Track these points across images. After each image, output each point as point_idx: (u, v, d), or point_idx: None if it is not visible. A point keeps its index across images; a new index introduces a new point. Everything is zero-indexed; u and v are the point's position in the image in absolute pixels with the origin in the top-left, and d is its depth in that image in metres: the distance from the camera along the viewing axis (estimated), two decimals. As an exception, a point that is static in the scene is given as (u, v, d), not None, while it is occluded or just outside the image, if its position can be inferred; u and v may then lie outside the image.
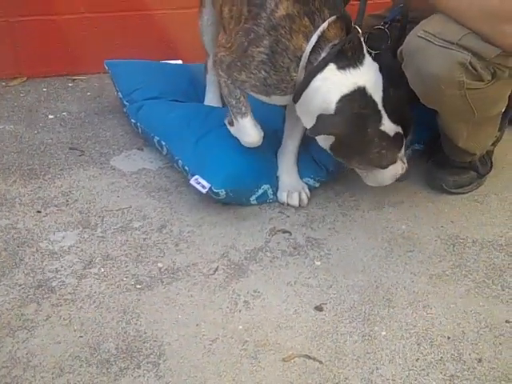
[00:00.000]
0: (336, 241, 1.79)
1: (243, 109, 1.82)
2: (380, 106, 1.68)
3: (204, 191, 1.79)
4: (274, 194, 1.90)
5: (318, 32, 1.65)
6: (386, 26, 1.93)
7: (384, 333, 1.50)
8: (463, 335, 1.49)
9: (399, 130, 1.70)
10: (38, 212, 1.85)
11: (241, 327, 1.51)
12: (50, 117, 2.35)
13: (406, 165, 1.78)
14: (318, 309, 1.56)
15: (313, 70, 1.66)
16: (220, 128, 1.90)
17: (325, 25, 1.66)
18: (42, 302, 1.56)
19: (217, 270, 1.67)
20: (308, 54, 1.66)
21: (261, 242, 1.77)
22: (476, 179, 2.00)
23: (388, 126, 1.68)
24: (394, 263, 1.71)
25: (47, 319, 1.51)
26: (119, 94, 2.29)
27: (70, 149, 2.16)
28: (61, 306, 1.55)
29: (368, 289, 1.62)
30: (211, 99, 2.25)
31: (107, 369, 1.39)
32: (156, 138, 2.05)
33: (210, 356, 1.43)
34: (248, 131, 1.82)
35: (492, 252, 1.75)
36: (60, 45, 2.59)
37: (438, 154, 2.00)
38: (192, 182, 1.83)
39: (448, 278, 1.66)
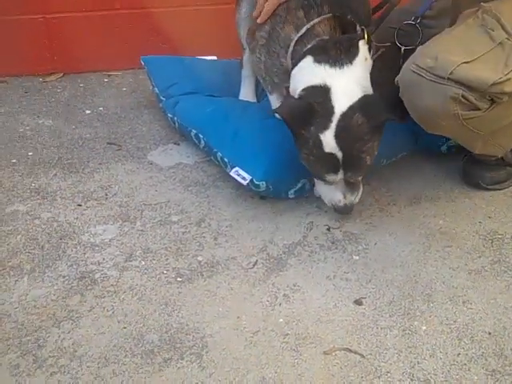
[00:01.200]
0: (373, 235, 1.79)
1: (269, 87, 1.93)
2: (334, 118, 1.61)
3: (245, 183, 1.81)
4: (312, 188, 1.91)
5: (308, 25, 1.71)
6: (417, 22, 1.93)
7: (424, 327, 1.50)
8: (504, 330, 1.49)
9: (337, 154, 1.62)
10: (79, 205, 1.89)
11: (281, 320, 1.52)
12: (87, 112, 2.38)
13: (348, 202, 1.71)
14: (358, 303, 1.57)
15: (295, 59, 1.72)
16: (259, 121, 1.92)
17: (316, 20, 1.71)
18: (86, 293, 1.59)
19: (256, 263, 1.69)
20: (294, 43, 1.73)
21: (299, 236, 1.78)
22: (513, 174, 1.99)
23: (327, 141, 1.61)
24: (433, 258, 1.71)
25: (91, 310, 1.54)
26: (155, 89, 2.31)
27: (108, 143, 2.19)
28: (104, 297, 1.58)
29: (407, 283, 1.63)
30: (246, 94, 2.27)
31: (151, 359, 1.42)
32: (193, 132, 2.07)
33: (251, 348, 1.45)
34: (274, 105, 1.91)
35: (531, 248, 1.75)
36: (95, 41, 2.62)
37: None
38: (232, 173, 1.84)
39: (487, 274, 1.65)
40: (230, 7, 2.43)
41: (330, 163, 1.64)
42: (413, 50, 1.74)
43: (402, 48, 1.86)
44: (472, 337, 1.48)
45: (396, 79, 1.65)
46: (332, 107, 1.62)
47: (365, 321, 1.52)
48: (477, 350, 1.45)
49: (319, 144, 1.63)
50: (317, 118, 1.62)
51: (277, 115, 1.74)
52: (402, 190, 1.96)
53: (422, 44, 1.77)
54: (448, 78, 1.55)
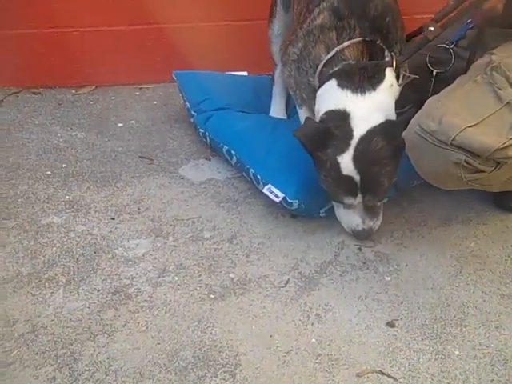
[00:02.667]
0: (404, 256, 1.80)
1: (299, 101, 1.95)
2: (353, 141, 1.64)
3: (277, 200, 1.83)
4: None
5: (338, 48, 1.73)
6: (451, 46, 1.94)
7: (457, 352, 1.50)
8: (538, 357, 1.49)
9: (355, 177, 1.65)
10: (112, 219, 1.91)
11: (314, 340, 1.53)
12: (119, 125, 2.41)
13: (367, 227, 1.74)
14: (390, 325, 1.58)
15: (322, 80, 1.74)
16: (291, 139, 1.92)
17: (346, 43, 1.73)
18: (120, 307, 1.61)
19: (288, 282, 1.70)
20: (322, 64, 1.75)
21: (330, 255, 1.79)
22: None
23: (345, 163, 1.65)
24: (464, 281, 1.71)
25: (125, 325, 1.56)
26: (187, 104, 2.33)
27: (140, 157, 2.21)
28: (138, 312, 1.59)
29: (439, 306, 1.63)
30: (277, 111, 2.29)
31: (185, 376, 1.43)
32: (225, 148, 2.09)
33: (284, 368, 1.46)
34: (302, 119, 1.93)
35: None
36: (127, 54, 2.65)
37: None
38: (265, 190, 1.86)
39: (520, 299, 1.66)
40: (260, 23, 2.47)
41: (347, 186, 1.68)
42: (444, 75, 1.75)
43: (434, 71, 1.87)
44: (505, 362, 1.48)
45: (403, 134, 1.62)
46: (351, 131, 1.65)
47: (397, 343, 1.53)
48: (510, 376, 1.44)
49: (337, 166, 1.66)
50: (334, 141, 1.66)
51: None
52: (433, 211, 1.97)
53: (453, 70, 1.79)
54: (451, 144, 1.52)
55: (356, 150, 1.65)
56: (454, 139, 1.51)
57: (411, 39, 1.86)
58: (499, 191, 1.91)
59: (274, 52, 2.23)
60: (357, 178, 1.66)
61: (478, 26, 1.79)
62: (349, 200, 1.70)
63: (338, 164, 1.66)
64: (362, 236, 1.78)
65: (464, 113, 1.56)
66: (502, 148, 1.54)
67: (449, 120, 1.54)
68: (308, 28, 1.81)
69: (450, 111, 1.56)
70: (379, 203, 1.75)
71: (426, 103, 1.62)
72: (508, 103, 1.59)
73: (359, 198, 1.69)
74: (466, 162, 1.53)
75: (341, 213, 1.78)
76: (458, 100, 1.60)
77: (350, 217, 1.75)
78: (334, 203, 1.79)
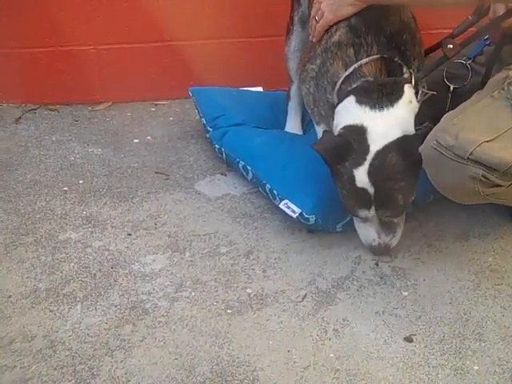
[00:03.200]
0: (422, 271, 1.79)
1: (317, 118, 1.96)
2: (369, 156, 1.65)
3: (294, 216, 1.83)
4: (359, 222, 1.92)
5: (356, 65, 1.73)
6: (468, 62, 1.94)
7: (476, 367, 1.49)
8: (558, 373, 1.48)
9: (369, 189, 1.66)
10: (129, 235, 1.92)
11: (332, 355, 1.52)
12: (135, 141, 2.43)
13: (383, 242, 1.74)
14: (408, 340, 1.57)
15: (340, 97, 1.75)
16: (308, 154, 1.93)
17: (364, 60, 1.73)
18: (137, 323, 1.61)
19: (305, 297, 1.69)
20: (341, 81, 1.75)
21: (347, 270, 1.79)
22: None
23: (360, 176, 1.66)
24: (483, 296, 1.70)
25: (143, 340, 1.56)
26: (203, 119, 2.35)
27: (156, 173, 2.23)
28: (155, 327, 1.60)
29: (457, 321, 1.62)
30: (293, 126, 2.30)
31: (203, 392, 1.43)
32: (241, 163, 2.10)
33: (303, 383, 1.45)
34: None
35: None
36: (143, 70, 2.67)
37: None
38: (282, 206, 1.86)
39: (539, 314, 1.64)
40: (275, 40, 2.49)
41: (362, 198, 1.68)
42: (461, 90, 1.75)
43: (451, 87, 1.87)
44: (526, 378, 1.46)
45: (420, 148, 1.62)
46: (368, 146, 1.66)
47: (415, 358, 1.52)
48: (531, 392, 1.43)
49: (352, 179, 1.67)
50: (352, 155, 1.67)
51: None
52: (450, 226, 1.96)
53: (471, 85, 1.78)
54: (468, 158, 1.51)
55: (371, 164, 1.65)
56: (471, 154, 1.51)
57: (428, 54, 1.86)
58: None
59: (291, 68, 2.24)
60: (371, 190, 1.66)
61: (496, 43, 1.79)
62: (363, 212, 1.70)
63: (353, 177, 1.67)
64: (378, 251, 1.78)
65: (481, 128, 1.56)
66: None
67: (466, 135, 1.54)
68: (326, 45, 1.82)
69: (466, 126, 1.56)
70: (396, 220, 1.74)
71: (442, 118, 1.62)
72: None
73: (373, 210, 1.69)
74: (484, 176, 1.53)
75: (358, 227, 1.79)
76: (474, 115, 1.60)
77: (366, 231, 1.76)
78: (353, 217, 1.79)
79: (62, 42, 2.57)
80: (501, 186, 1.56)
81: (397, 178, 1.66)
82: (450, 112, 1.64)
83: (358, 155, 1.66)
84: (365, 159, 1.66)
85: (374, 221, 1.72)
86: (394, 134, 1.66)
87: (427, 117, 1.73)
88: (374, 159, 1.65)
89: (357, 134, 1.67)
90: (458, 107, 1.65)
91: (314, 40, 1.89)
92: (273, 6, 2.55)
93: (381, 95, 1.69)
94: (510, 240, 1.91)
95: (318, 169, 1.89)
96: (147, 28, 2.60)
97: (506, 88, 1.63)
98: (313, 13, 1.90)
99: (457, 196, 1.66)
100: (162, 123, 2.56)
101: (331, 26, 1.83)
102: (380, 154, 1.65)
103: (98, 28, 2.56)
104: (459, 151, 1.53)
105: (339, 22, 1.80)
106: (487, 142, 1.53)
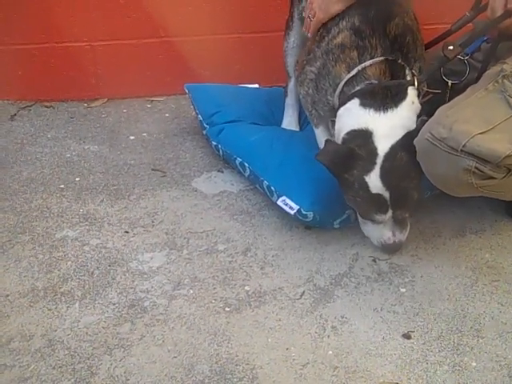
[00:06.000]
0: (419, 268, 1.79)
1: (315, 120, 1.94)
2: (378, 159, 1.64)
3: (292, 212, 1.83)
4: (356, 219, 1.91)
5: (359, 67, 1.72)
6: (466, 58, 1.94)
7: (474, 364, 1.50)
8: (556, 369, 1.48)
9: (384, 194, 1.65)
10: (126, 232, 1.91)
11: (330, 352, 1.53)
12: (131, 138, 2.42)
13: (397, 239, 1.72)
14: (406, 336, 1.57)
15: (342, 99, 1.73)
16: (305, 151, 1.94)
17: (368, 62, 1.72)
18: (136, 321, 1.61)
19: (303, 294, 1.70)
20: (343, 83, 1.74)
21: (345, 267, 1.79)
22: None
23: (373, 182, 1.64)
24: (480, 292, 1.70)
25: (141, 338, 1.56)
26: (199, 116, 2.34)
27: (153, 170, 2.22)
28: (154, 326, 1.60)
29: (455, 318, 1.63)
30: (289, 123, 2.29)
31: (202, 390, 1.43)
32: (238, 160, 2.09)
33: (301, 381, 1.45)
34: (320, 140, 1.93)
35: None
36: (138, 67, 2.67)
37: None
38: (279, 202, 1.86)
39: (537, 310, 1.65)
40: (271, 35, 2.49)
41: (378, 204, 1.67)
42: (458, 86, 1.75)
43: (449, 83, 1.87)
44: (523, 374, 1.47)
45: (414, 141, 1.63)
46: (375, 149, 1.65)
47: (414, 355, 1.52)
48: (529, 388, 1.44)
49: (365, 186, 1.65)
50: (359, 161, 1.65)
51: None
52: (447, 222, 1.96)
53: (468, 81, 1.79)
54: (461, 150, 1.52)
55: (382, 167, 1.64)
56: (464, 146, 1.52)
57: (426, 50, 1.86)
58: (511, 200, 1.90)
59: (289, 64, 2.24)
60: (386, 194, 1.65)
61: (493, 40, 1.80)
62: (380, 217, 1.68)
63: (366, 184, 1.65)
64: (392, 249, 1.76)
65: (475, 120, 1.56)
66: None
67: (459, 127, 1.54)
68: (327, 47, 1.80)
69: (460, 118, 1.56)
70: (407, 214, 1.73)
71: (437, 111, 1.62)
72: None
73: (390, 213, 1.68)
74: (477, 168, 1.53)
75: (369, 228, 1.76)
76: (468, 107, 1.61)
77: (380, 231, 1.73)
78: (360, 219, 1.77)
79: (58, 38, 2.56)
80: (494, 178, 1.56)
81: (411, 177, 1.66)
82: (445, 105, 1.64)
83: (366, 161, 1.65)
84: (375, 163, 1.64)
85: (388, 221, 1.70)
86: (398, 133, 1.65)
87: (425, 112, 1.73)
88: (384, 162, 1.64)
89: (362, 138, 1.66)
90: (452, 100, 1.66)
91: (310, 34, 1.89)
92: (269, 2, 2.55)
93: (385, 97, 1.68)
94: (507, 236, 1.91)
95: (316, 165, 1.89)
96: (143, 24, 2.59)
97: (500, 81, 1.63)
98: (306, 13, 1.90)
99: (451, 188, 1.66)
100: (157, 120, 2.56)
101: (332, 28, 1.81)
102: (389, 155, 1.65)
103: (94, 24, 2.55)
104: (452, 143, 1.53)
105: (341, 24, 1.79)
106: (481, 134, 1.53)
